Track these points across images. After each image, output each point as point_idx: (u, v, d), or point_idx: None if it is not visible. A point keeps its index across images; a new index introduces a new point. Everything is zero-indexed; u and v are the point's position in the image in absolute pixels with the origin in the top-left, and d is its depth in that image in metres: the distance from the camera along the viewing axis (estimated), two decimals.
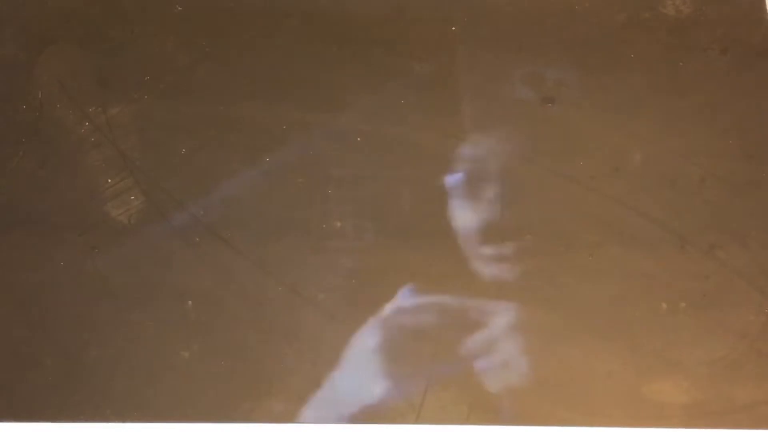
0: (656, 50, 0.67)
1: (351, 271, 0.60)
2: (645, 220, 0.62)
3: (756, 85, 0.66)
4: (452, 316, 0.59)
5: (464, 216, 0.62)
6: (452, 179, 0.63)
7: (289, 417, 0.57)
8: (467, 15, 0.68)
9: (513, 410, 0.57)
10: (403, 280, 0.60)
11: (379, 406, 0.57)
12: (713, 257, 0.61)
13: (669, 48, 0.67)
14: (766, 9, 0.69)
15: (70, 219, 0.61)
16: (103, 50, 0.66)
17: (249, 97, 0.65)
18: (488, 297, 0.59)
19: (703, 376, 0.58)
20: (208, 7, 0.68)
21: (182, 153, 0.63)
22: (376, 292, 0.60)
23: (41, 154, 0.63)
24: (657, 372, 0.58)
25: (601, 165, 0.63)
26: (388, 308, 0.59)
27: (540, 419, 0.57)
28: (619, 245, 0.61)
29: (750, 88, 0.66)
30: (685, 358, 0.58)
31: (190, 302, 0.59)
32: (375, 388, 0.57)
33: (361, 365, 0.58)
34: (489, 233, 0.61)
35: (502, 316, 0.59)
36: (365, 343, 0.58)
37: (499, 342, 0.58)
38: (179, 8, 0.68)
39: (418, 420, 0.57)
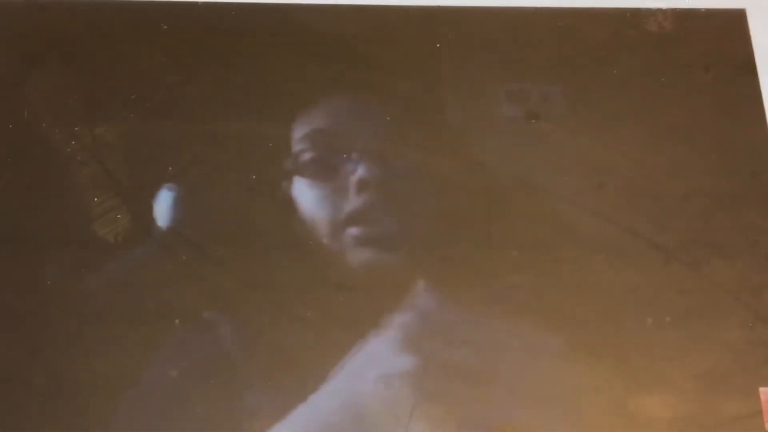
0: (639, 67, 0.68)
1: (339, 287, 0.60)
2: (630, 235, 0.62)
3: (738, 102, 0.66)
4: (440, 331, 0.59)
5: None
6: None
7: None
8: (452, 32, 0.68)
9: (500, 426, 0.57)
10: (396, 294, 0.60)
11: (366, 423, 0.57)
12: (698, 272, 0.61)
13: (652, 65, 0.68)
14: (748, 26, 0.69)
15: (57, 237, 0.61)
16: (90, 69, 0.67)
17: (235, 115, 0.65)
18: (476, 312, 0.60)
19: (690, 390, 0.58)
20: (194, 26, 0.68)
21: (169, 171, 0.63)
22: (365, 308, 0.60)
23: (28, 173, 0.63)
24: (643, 386, 0.58)
25: (585, 180, 0.64)
26: (376, 325, 0.59)
27: None
28: (604, 260, 0.61)
29: (732, 105, 0.66)
30: (672, 372, 0.58)
31: (177, 321, 0.59)
32: (362, 405, 0.57)
33: (348, 382, 0.58)
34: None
35: (488, 331, 0.59)
36: (352, 361, 0.58)
37: (486, 356, 0.58)
38: (165, 27, 0.68)
39: None
